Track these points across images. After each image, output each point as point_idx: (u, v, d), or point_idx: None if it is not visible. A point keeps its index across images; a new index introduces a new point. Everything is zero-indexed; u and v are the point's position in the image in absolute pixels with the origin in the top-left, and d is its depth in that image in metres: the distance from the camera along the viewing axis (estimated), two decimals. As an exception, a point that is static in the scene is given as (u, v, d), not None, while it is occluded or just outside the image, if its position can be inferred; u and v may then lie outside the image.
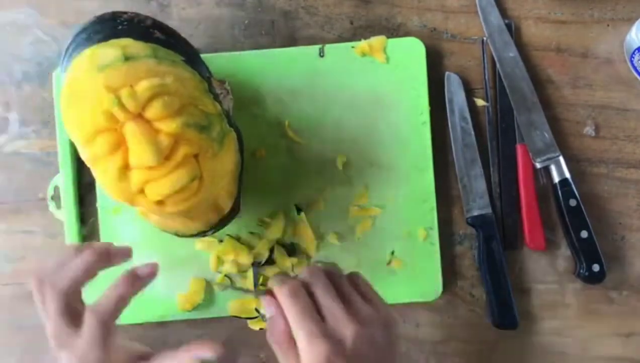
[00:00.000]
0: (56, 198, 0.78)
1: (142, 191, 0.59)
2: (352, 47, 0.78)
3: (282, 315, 0.58)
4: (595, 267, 0.76)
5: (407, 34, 0.81)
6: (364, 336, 0.56)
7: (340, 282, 0.61)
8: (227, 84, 0.67)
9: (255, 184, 0.77)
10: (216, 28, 0.81)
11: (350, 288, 0.61)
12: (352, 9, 0.81)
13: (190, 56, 0.64)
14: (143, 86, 0.55)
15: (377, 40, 0.78)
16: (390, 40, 0.78)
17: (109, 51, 0.57)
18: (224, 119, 0.64)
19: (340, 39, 0.81)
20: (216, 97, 0.64)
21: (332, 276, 0.62)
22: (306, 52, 0.79)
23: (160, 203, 0.60)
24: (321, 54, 0.78)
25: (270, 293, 0.61)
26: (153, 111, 0.56)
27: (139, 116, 0.56)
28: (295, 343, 0.57)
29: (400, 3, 0.81)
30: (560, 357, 0.79)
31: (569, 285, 0.79)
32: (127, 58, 0.56)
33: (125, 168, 0.57)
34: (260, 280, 0.77)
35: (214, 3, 0.81)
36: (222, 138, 0.62)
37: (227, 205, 0.68)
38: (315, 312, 0.57)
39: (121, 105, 0.55)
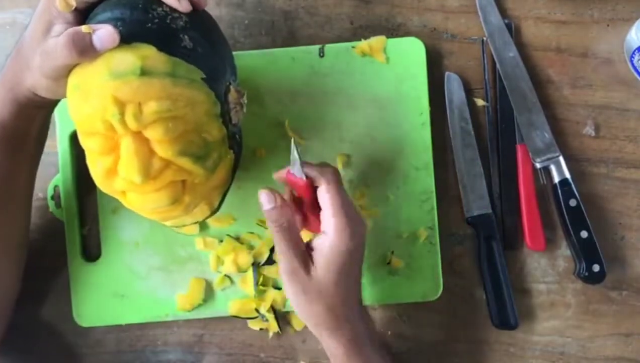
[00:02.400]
0: (56, 198, 0.78)
1: (123, 193, 0.60)
2: (352, 47, 0.78)
3: (290, 206, 0.67)
4: (595, 267, 0.76)
5: (407, 34, 0.81)
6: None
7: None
8: (245, 97, 0.65)
9: (255, 184, 0.77)
10: (216, 28, 0.81)
11: None
12: (352, 9, 0.81)
13: (214, 69, 0.61)
14: (150, 108, 0.54)
15: (377, 40, 0.78)
16: (390, 40, 0.78)
17: (128, 58, 0.54)
18: (225, 144, 0.63)
19: (340, 39, 0.81)
20: (227, 114, 0.63)
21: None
22: (306, 52, 0.79)
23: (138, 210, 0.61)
24: (321, 54, 0.78)
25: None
26: (153, 133, 0.56)
27: (138, 133, 0.56)
28: (300, 235, 0.66)
29: (400, 3, 0.81)
30: (560, 357, 0.79)
31: (569, 285, 0.79)
32: (143, 73, 0.54)
33: (113, 171, 0.58)
34: (260, 280, 0.77)
35: (214, 3, 0.81)
36: (216, 166, 0.62)
37: (204, 214, 0.68)
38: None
39: (123, 121, 0.54)
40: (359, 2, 0.81)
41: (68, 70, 0.57)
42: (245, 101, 0.65)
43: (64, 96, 0.60)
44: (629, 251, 0.80)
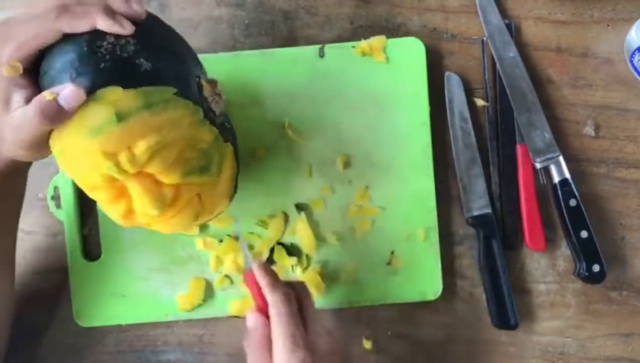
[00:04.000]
0: (56, 198, 0.78)
1: (149, 224, 0.61)
2: (352, 47, 0.78)
3: (268, 324, 0.63)
4: (595, 267, 0.76)
5: (407, 34, 0.81)
6: (334, 353, 0.64)
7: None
8: (218, 85, 0.64)
9: (255, 184, 0.77)
10: (216, 28, 0.81)
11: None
12: (352, 9, 0.81)
13: (180, 76, 0.60)
14: (141, 148, 0.54)
15: (377, 40, 0.78)
16: (390, 40, 0.78)
17: (100, 111, 0.53)
18: (220, 140, 0.63)
19: (340, 39, 0.81)
20: (209, 111, 0.62)
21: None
22: (306, 52, 0.79)
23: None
24: (321, 54, 0.78)
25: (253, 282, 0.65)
26: (153, 168, 0.56)
27: (140, 172, 0.56)
28: (270, 349, 0.62)
29: (400, 3, 0.81)
30: (560, 357, 0.79)
31: (569, 285, 0.79)
32: (119, 119, 0.53)
33: (130, 212, 0.58)
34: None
35: (214, 3, 0.81)
36: (221, 166, 0.62)
37: (225, 205, 0.68)
38: (300, 322, 0.63)
39: (121, 169, 0.54)
40: (359, 2, 0.81)
41: (44, 137, 0.56)
42: (221, 88, 0.64)
43: (45, 157, 0.59)
44: (629, 251, 0.80)
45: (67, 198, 0.78)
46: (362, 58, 0.78)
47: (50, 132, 0.55)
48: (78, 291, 0.78)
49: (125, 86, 0.54)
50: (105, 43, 0.55)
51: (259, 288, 0.65)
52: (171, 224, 0.61)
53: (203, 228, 0.78)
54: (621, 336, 0.79)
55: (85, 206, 0.79)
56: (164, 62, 0.58)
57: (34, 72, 0.56)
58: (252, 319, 0.65)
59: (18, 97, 0.55)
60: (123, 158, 0.54)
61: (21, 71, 0.55)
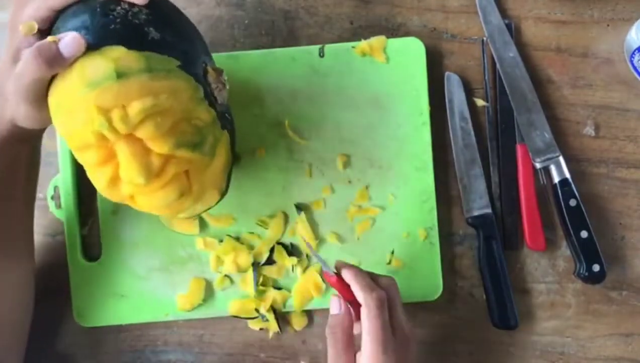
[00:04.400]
0: (56, 198, 0.78)
1: (132, 198, 0.60)
2: (352, 47, 0.78)
3: (351, 314, 0.66)
4: (595, 267, 0.76)
5: (407, 34, 0.81)
6: (414, 354, 0.65)
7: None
8: (224, 75, 0.65)
9: (255, 183, 0.77)
10: (216, 28, 0.81)
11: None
12: (352, 9, 0.81)
13: (187, 53, 0.60)
14: (135, 109, 0.54)
15: (377, 40, 0.78)
16: (390, 40, 0.78)
17: (100, 64, 0.54)
18: (217, 125, 0.63)
19: (340, 39, 0.81)
20: (211, 95, 0.63)
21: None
22: (306, 52, 0.79)
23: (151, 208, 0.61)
24: (321, 54, 0.78)
25: (340, 282, 0.66)
26: (145, 132, 0.55)
27: (130, 135, 0.55)
28: (352, 345, 0.64)
29: (400, 3, 0.81)
30: (560, 357, 0.79)
31: (569, 285, 0.79)
32: (119, 75, 0.53)
33: (116, 178, 0.57)
34: (260, 280, 0.77)
35: (214, 3, 0.81)
36: (214, 149, 0.62)
37: (214, 199, 0.67)
38: (389, 326, 0.63)
39: (112, 127, 0.53)
40: (359, 2, 0.81)
41: (42, 88, 0.56)
42: (226, 78, 0.64)
43: (46, 124, 0.60)
44: (629, 251, 0.80)
45: (67, 198, 0.78)
46: (362, 58, 0.78)
47: (49, 87, 0.56)
48: (78, 292, 0.78)
49: (130, 49, 0.55)
50: (118, 8, 0.56)
51: (345, 285, 0.66)
52: (153, 199, 0.59)
53: (203, 227, 0.78)
54: (621, 336, 0.79)
55: (85, 206, 0.79)
56: (172, 38, 0.59)
57: (48, 33, 0.57)
58: (336, 304, 0.66)
59: (26, 52, 0.56)
60: (116, 115, 0.53)
61: (35, 30, 0.57)
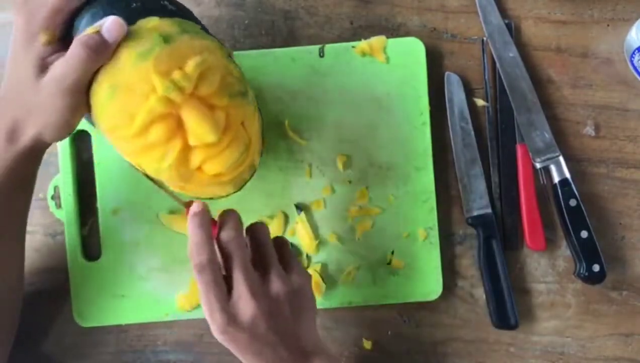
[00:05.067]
0: (56, 198, 0.78)
1: (200, 170, 0.60)
2: (352, 47, 0.78)
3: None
4: (595, 267, 0.76)
5: (407, 34, 0.81)
6: (264, 314, 0.60)
7: (265, 248, 0.65)
8: (233, 56, 0.66)
9: (255, 184, 0.77)
10: (216, 28, 0.81)
11: (272, 256, 0.64)
12: (352, 9, 0.81)
13: (201, 25, 0.63)
14: (190, 67, 0.55)
15: (377, 40, 0.78)
16: (390, 40, 0.78)
17: (144, 35, 0.56)
18: (245, 80, 0.64)
19: (340, 39, 0.81)
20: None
21: (259, 237, 0.65)
22: (306, 52, 0.79)
23: (217, 175, 0.61)
24: (321, 54, 0.78)
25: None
26: (204, 89, 0.57)
27: (192, 96, 0.56)
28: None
29: (400, 3, 0.81)
30: (560, 357, 0.79)
31: (569, 285, 0.79)
32: (165, 40, 0.55)
33: (185, 149, 0.58)
34: None
35: (214, 3, 0.81)
36: (255, 102, 0.64)
37: (257, 162, 0.68)
38: (223, 285, 0.60)
39: (177, 88, 0.55)
40: (359, 2, 0.81)
41: (84, 86, 0.56)
42: (238, 63, 0.65)
43: (72, 130, 0.60)
44: (629, 251, 0.80)
45: (67, 198, 0.78)
46: (362, 58, 0.78)
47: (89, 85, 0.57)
48: (78, 292, 0.78)
49: (161, 18, 0.58)
50: None
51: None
52: (222, 160, 0.60)
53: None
54: (621, 336, 0.79)
55: (85, 206, 0.79)
56: (184, 10, 0.64)
57: (66, 39, 0.58)
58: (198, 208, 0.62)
59: (55, 58, 0.57)
60: (177, 75, 0.55)
61: (57, 37, 0.57)
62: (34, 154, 0.62)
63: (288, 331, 0.62)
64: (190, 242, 0.60)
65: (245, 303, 0.59)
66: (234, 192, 0.70)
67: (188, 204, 0.62)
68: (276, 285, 0.62)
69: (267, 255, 0.64)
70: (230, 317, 0.59)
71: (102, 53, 0.55)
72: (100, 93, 0.56)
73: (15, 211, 0.67)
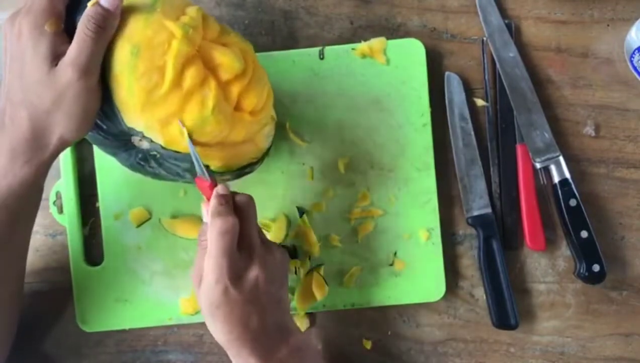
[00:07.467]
0: (58, 203, 0.78)
1: (238, 108, 0.64)
2: (352, 49, 0.78)
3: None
4: (595, 267, 0.77)
5: (407, 34, 0.81)
6: (264, 278, 0.63)
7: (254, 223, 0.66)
8: None
9: (257, 186, 0.77)
10: (216, 29, 0.80)
11: (260, 230, 0.67)
12: (352, 9, 0.81)
13: None
14: (193, 12, 0.60)
15: (377, 42, 0.78)
16: (390, 41, 0.78)
17: None
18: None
19: (340, 39, 0.80)
20: None
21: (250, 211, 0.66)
22: (306, 54, 0.78)
23: (254, 113, 0.65)
24: (321, 56, 0.78)
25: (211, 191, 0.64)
26: (210, 32, 0.62)
27: (204, 41, 0.61)
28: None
29: (400, 3, 0.81)
30: (560, 357, 0.80)
31: (569, 285, 0.80)
32: None
33: (223, 84, 0.62)
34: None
35: (214, 3, 0.81)
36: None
37: (266, 143, 0.71)
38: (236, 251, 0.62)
39: (193, 25, 0.59)
40: (359, 2, 0.81)
41: (99, 62, 0.57)
42: None
43: (90, 121, 0.60)
44: (629, 251, 0.80)
45: (70, 203, 0.78)
46: (362, 60, 0.78)
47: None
48: (81, 297, 0.78)
49: None
50: None
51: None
52: (256, 88, 0.64)
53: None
54: (621, 336, 0.80)
55: (87, 211, 0.79)
56: None
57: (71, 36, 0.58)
58: (206, 212, 0.64)
59: (65, 48, 0.57)
60: (186, 18, 0.59)
61: (62, 25, 0.58)
62: (54, 158, 0.62)
63: (274, 300, 0.65)
64: (213, 211, 0.62)
65: (253, 264, 0.63)
66: (262, 158, 0.71)
67: (212, 186, 0.64)
68: (277, 255, 0.66)
69: (258, 230, 0.67)
70: (237, 276, 0.61)
71: (107, 23, 0.56)
72: (124, 61, 0.57)
73: (24, 219, 0.67)
